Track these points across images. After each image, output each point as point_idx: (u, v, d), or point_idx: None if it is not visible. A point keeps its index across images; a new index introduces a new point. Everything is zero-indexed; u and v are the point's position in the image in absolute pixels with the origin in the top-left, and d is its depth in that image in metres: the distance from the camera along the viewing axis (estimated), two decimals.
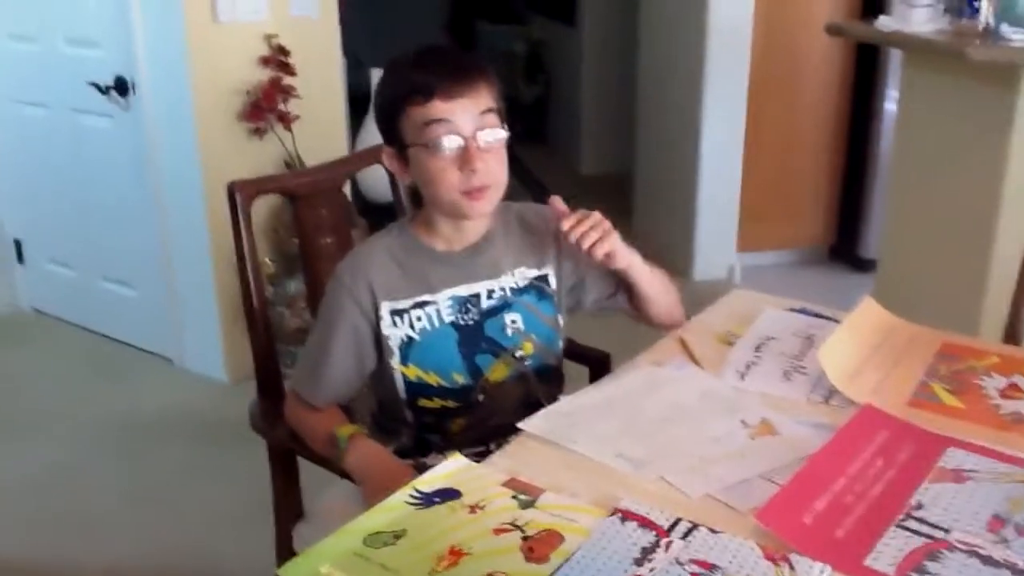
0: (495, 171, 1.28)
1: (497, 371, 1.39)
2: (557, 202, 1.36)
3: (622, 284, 1.47)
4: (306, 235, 1.63)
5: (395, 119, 1.28)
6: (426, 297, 1.35)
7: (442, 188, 1.27)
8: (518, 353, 1.40)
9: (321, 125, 3.12)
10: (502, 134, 1.29)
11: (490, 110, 1.27)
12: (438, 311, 1.35)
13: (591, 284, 1.48)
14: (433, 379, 1.36)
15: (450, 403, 1.38)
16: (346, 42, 3.26)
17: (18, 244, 3.58)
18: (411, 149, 1.28)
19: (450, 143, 1.25)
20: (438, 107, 1.24)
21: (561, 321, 1.45)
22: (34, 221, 3.50)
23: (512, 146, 1.33)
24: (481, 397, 1.39)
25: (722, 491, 1.03)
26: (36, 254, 3.56)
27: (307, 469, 1.50)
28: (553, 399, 1.45)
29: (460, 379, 1.37)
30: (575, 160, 5.80)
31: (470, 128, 1.25)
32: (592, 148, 5.68)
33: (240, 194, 1.53)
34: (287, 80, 2.92)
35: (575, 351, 1.65)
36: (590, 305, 1.51)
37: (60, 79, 3.13)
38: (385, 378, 1.38)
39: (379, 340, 1.35)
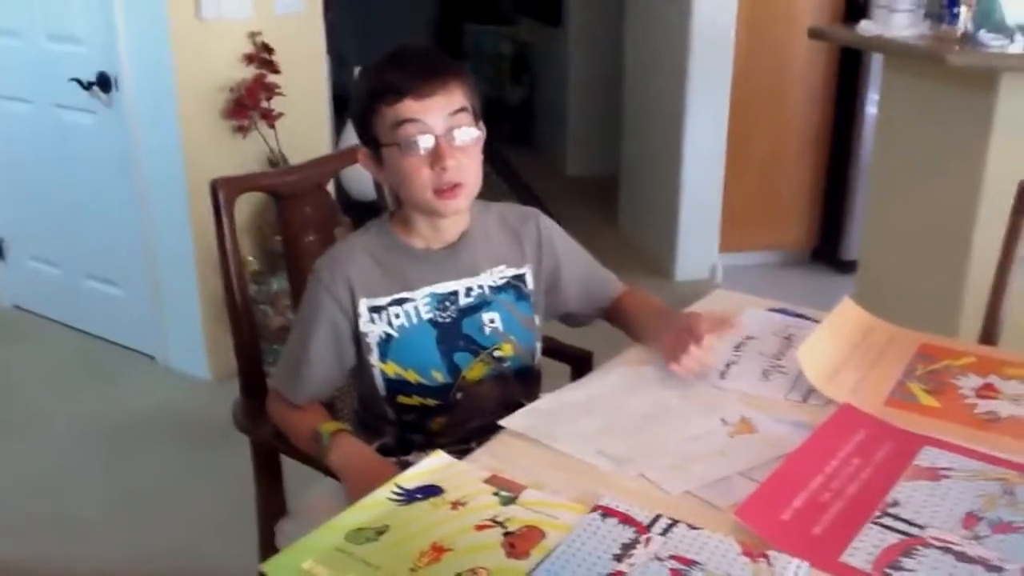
0: (467, 169, 1.29)
1: (475, 370, 1.39)
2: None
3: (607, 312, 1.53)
4: (290, 233, 1.63)
5: (369, 119, 1.29)
6: (404, 294, 1.35)
7: (415, 187, 1.28)
8: (496, 353, 1.40)
9: (305, 123, 3.12)
10: (475, 133, 1.30)
11: (463, 109, 1.28)
12: (416, 308, 1.36)
13: (572, 299, 1.51)
14: (412, 376, 1.37)
15: (429, 401, 1.39)
16: (331, 41, 3.26)
17: (0, 241, 3.55)
18: (384, 148, 1.29)
19: (422, 142, 1.25)
20: (410, 106, 1.25)
21: (537, 321, 1.46)
22: (16, 218, 3.48)
23: (498, 147, 1.34)
24: (460, 395, 1.39)
25: (702, 488, 1.04)
26: (18, 251, 3.54)
27: (290, 467, 1.50)
28: (532, 399, 1.46)
29: (439, 376, 1.37)
30: (561, 161, 5.81)
31: (442, 127, 1.26)
32: (578, 149, 5.69)
33: (223, 192, 1.53)
34: (271, 78, 2.92)
35: (557, 349, 1.66)
36: (567, 320, 1.55)
37: (43, 75, 3.11)
38: (365, 375, 1.38)
39: (358, 337, 1.35)
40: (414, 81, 1.25)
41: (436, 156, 1.26)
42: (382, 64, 1.29)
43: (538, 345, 1.47)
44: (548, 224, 1.49)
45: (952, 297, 2.47)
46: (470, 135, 1.29)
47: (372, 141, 1.31)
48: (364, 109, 1.29)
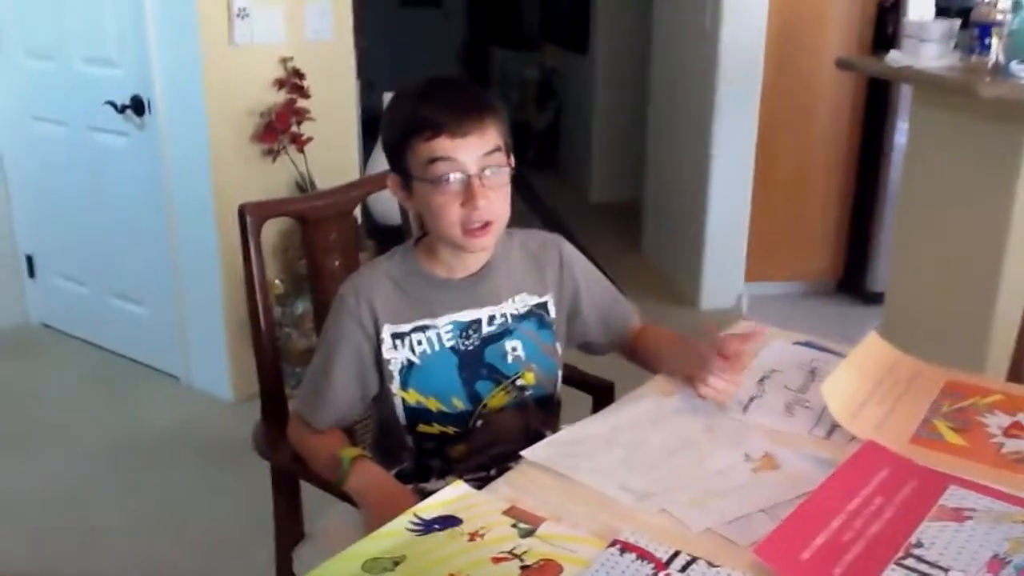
0: (497, 207, 1.28)
1: (497, 398, 1.39)
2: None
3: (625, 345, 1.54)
4: (315, 257, 1.64)
5: (401, 150, 1.29)
6: (427, 321, 1.36)
7: (444, 223, 1.28)
8: (519, 382, 1.40)
9: (334, 148, 3.15)
10: (506, 173, 1.29)
11: (497, 149, 1.27)
12: (439, 335, 1.36)
13: (591, 327, 1.51)
14: (433, 404, 1.36)
15: (449, 429, 1.38)
16: (361, 66, 3.29)
17: (30, 259, 3.61)
18: (415, 181, 1.29)
19: (454, 180, 1.25)
20: (444, 145, 1.24)
21: (559, 349, 1.45)
22: (47, 236, 3.54)
23: (523, 172, 1.34)
24: (479, 423, 1.39)
25: (722, 525, 1.03)
26: (47, 269, 3.59)
27: (308, 491, 1.50)
28: (552, 428, 1.46)
29: (459, 404, 1.37)
30: (585, 187, 5.83)
31: (475, 167, 1.25)
32: (602, 175, 5.71)
33: (251, 217, 1.54)
34: (301, 102, 2.95)
35: (579, 379, 1.66)
36: (585, 348, 1.55)
37: (78, 98, 3.17)
38: (386, 403, 1.38)
39: (380, 364, 1.35)
40: (450, 119, 1.24)
41: (468, 195, 1.25)
42: (417, 95, 1.29)
43: (559, 373, 1.47)
44: (570, 251, 1.48)
45: (980, 332, 2.43)
46: (502, 175, 1.28)
47: (403, 171, 1.31)
48: (397, 140, 1.29)
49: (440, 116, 1.24)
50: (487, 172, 1.26)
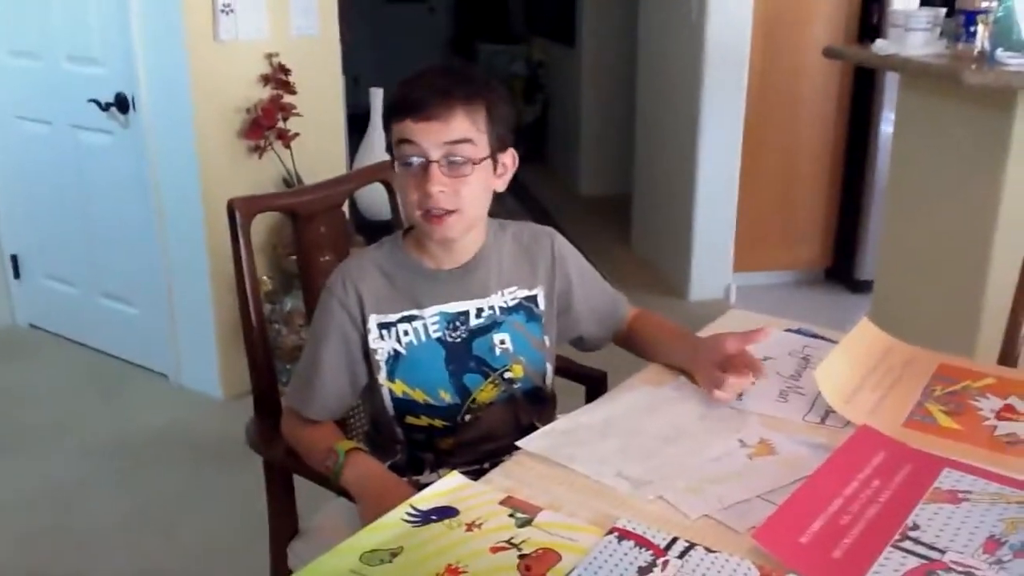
0: (463, 197, 1.27)
1: (486, 392, 1.38)
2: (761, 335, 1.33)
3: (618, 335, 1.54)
4: (305, 253, 1.63)
5: (386, 131, 1.31)
6: (413, 312, 1.35)
7: (406, 206, 1.30)
8: (507, 375, 1.39)
9: (320, 144, 3.13)
10: (476, 166, 1.27)
11: (465, 140, 1.25)
12: (425, 326, 1.35)
13: (584, 321, 1.51)
14: (419, 396, 1.36)
15: (437, 422, 1.38)
16: (346, 62, 3.28)
17: (15, 259, 3.58)
18: (393, 162, 1.30)
19: (415, 164, 1.25)
20: (409, 127, 1.25)
21: (548, 343, 1.44)
22: (32, 236, 3.51)
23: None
24: (468, 417, 1.38)
25: (720, 511, 1.03)
26: (33, 269, 3.56)
27: (303, 487, 1.49)
28: (545, 421, 1.45)
29: (447, 397, 1.36)
30: (574, 180, 5.83)
31: (437, 153, 1.24)
32: (591, 168, 5.71)
33: (239, 212, 1.53)
34: (287, 98, 2.94)
35: (572, 370, 1.66)
36: (579, 344, 1.55)
37: (61, 96, 3.15)
38: (375, 394, 1.38)
39: (367, 353, 1.35)
40: (416, 102, 1.24)
41: (420, 181, 1.25)
42: (405, 79, 1.30)
43: (549, 367, 1.45)
44: (562, 244, 1.48)
45: (969, 318, 2.45)
46: (469, 168, 1.26)
47: (390, 151, 1.32)
48: (384, 121, 1.31)
49: (409, 99, 1.25)
50: (450, 160, 1.25)
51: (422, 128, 1.24)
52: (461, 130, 1.25)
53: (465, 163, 1.26)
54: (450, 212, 1.27)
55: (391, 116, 1.28)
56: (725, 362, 1.30)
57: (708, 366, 1.31)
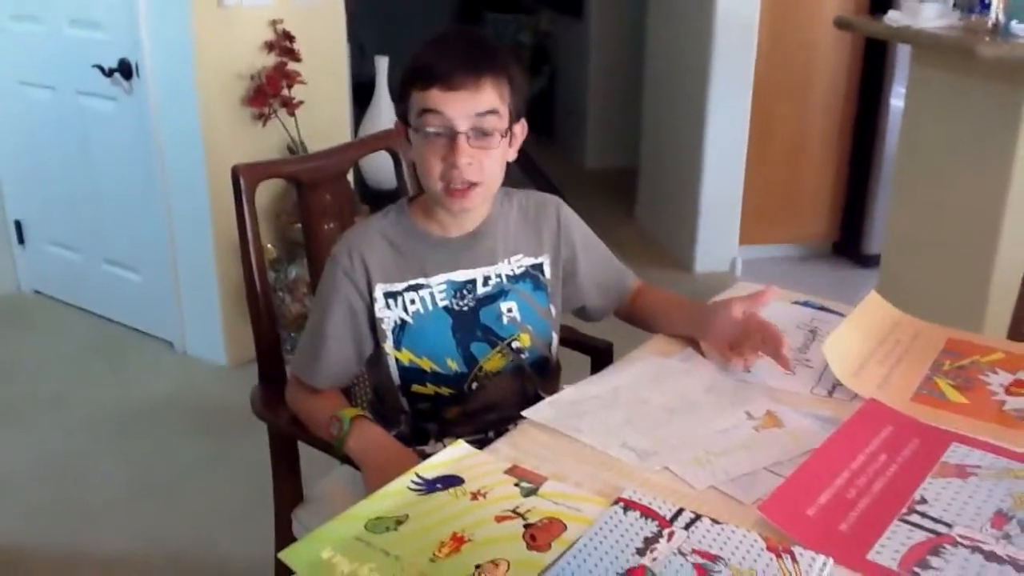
0: (486, 169, 1.26)
1: (493, 361, 1.38)
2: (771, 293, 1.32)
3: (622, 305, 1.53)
4: (310, 221, 1.62)
5: (403, 97, 1.27)
6: (420, 280, 1.34)
7: (428, 177, 1.27)
8: (515, 344, 1.39)
9: (325, 112, 3.11)
10: (499, 142, 1.25)
11: (492, 112, 1.24)
12: (432, 295, 1.34)
13: (588, 291, 1.50)
14: (426, 364, 1.35)
15: (444, 390, 1.37)
16: (351, 31, 3.25)
17: (19, 225, 3.58)
18: (411, 131, 1.28)
19: (440, 135, 1.23)
20: (435, 96, 1.22)
21: (554, 312, 1.44)
22: (36, 203, 3.50)
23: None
24: (475, 386, 1.38)
25: (726, 483, 1.02)
26: (37, 236, 3.56)
27: (307, 455, 1.50)
28: (550, 392, 1.45)
29: (453, 365, 1.36)
30: (580, 153, 5.79)
31: (464, 124, 1.22)
32: (597, 141, 5.67)
33: (244, 178, 1.52)
34: (292, 66, 2.91)
35: (578, 341, 1.65)
36: (581, 314, 1.55)
37: (64, 61, 3.12)
38: (380, 363, 1.37)
39: (374, 322, 1.34)
40: (446, 71, 1.21)
41: (448, 152, 1.23)
42: (426, 44, 1.27)
43: (555, 336, 1.45)
44: (568, 213, 1.47)
45: (978, 293, 2.43)
46: (495, 140, 1.25)
47: (404, 119, 1.29)
48: (401, 87, 1.28)
49: (436, 67, 1.22)
50: (477, 133, 1.23)
51: (450, 98, 1.21)
52: (489, 101, 1.23)
53: (492, 134, 1.24)
54: (474, 184, 1.25)
55: (412, 84, 1.24)
56: (736, 330, 1.29)
57: (720, 337, 1.30)
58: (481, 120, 1.23)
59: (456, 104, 1.22)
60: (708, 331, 1.34)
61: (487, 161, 1.25)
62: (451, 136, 1.22)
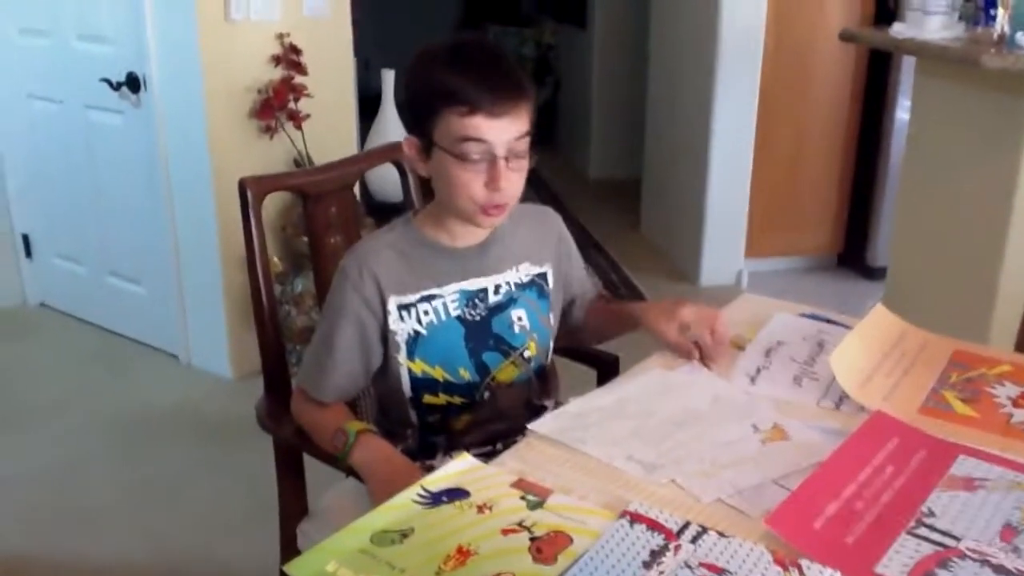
0: (515, 186, 1.28)
1: (506, 371, 1.39)
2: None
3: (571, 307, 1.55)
4: (316, 233, 1.63)
5: (428, 116, 1.25)
6: (433, 291, 1.35)
7: (463, 199, 1.26)
8: (526, 354, 1.40)
9: (331, 125, 3.12)
10: (528, 160, 1.27)
11: (527, 133, 1.25)
12: (444, 305, 1.35)
13: (570, 304, 1.54)
14: (439, 374, 1.36)
15: (455, 399, 1.38)
16: (357, 45, 3.26)
17: (26, 238, 3.59)
18: (439, 151, 1.26)
19: (481, 159, 1.23)
20: (479, 124, 1.21)
21: (552, 320, 1.46)
22: (43, 216, 3.51)
23: None
24: (486, 395, 1.39)
25: (733, 496, 1.02)
26: (44, 248, 3.57)
27: (312, 467, 1.49)
28: (550, 399, 1.48)
29: (466, 375, 1.37)
30: (584, 164, 5.80)
31: (503, 149, 1.23)
32: (601, 152, 5.68)
33: (251, 191, 1.52)
34: (298, 79, 2.93)
35: (584, 353, 1.65)
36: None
37: (72, 75, 3.14)
38: (390, 376, 1.37)
39: (385, 335, 1.34)
40: (489, 98, 1.20)
41: (492, 176, 1.23)
42: (454, 64, 1.24)
43: (551, 344, 1.48)
44: (563, 226, 1.51)
45: (983, 306, 2.43)
46: (526, 161, 1.27)
47: (426, 136, 1.27)
48: (425, 104, 1.25)
49: (479, 93, 1.20)
50: (515, 158, 1.24)
51: (494, 125, 1.22)
52: (524, 124, 1.25)
53: (525, 156, 1.26)
54: (506, 204, 1.28)
55: (446, 106, 1.22)
56: (678, 316, 1.35)
57: (663, 314, 1.37)
58: (517, 143, 1.25)
59: (499, 131, 1.22)
60: (653, 310, 1.40)
61: (516, 178, 1.27)
62: (491, 161, 1.23)
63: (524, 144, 1.26)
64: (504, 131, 1.23)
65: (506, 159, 1.23)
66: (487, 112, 1.21)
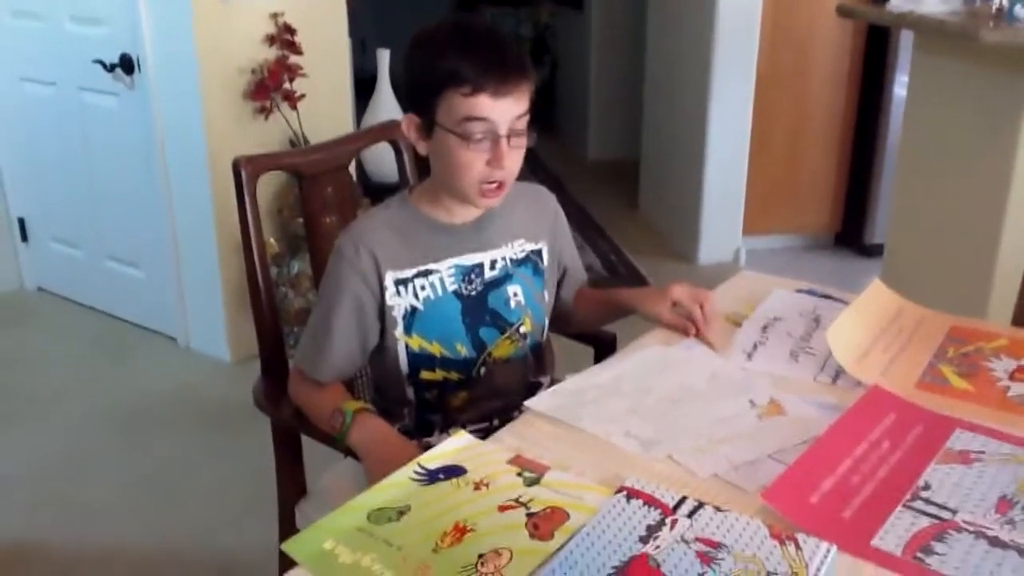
0: (516, 164, 1.29)
1: (503, 348, 1.40)
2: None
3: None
4: (311, 214, 1.62)
5: (431, 96, 1.25)
6: (429, 266, 1.35)
7: (463, 178, 1.27)
8: (522, 329, 1.41)
9: (327, 105, 3.10)
10: (529, 138, 1.29)
11: (527, 112, 1.27)
12: (441, 280, 1.35)
13: (562, 282, 1.55)
14: (436, 349, 1.36)
15: (452, 375, 1.38)
16: (352, 25, 3.24)
17: (22, 222, 3.58)
18: (440, 130, 1.26)
19: (484, 139, 1.24)
20: (483, 104, 1.22)
21: (546, 297, 1.47)
22: (38, 200, 3.50)
23: None
24: (483, 371, 1.39)
25: (729, 471, 1.02)
26: (41, 232, 3.56)
27: (310, 448, 1.50)
28: (546, 377, 1.49)
29: (463, 350, 1.37)
30: (582, 145, 5.78)
31: (505, 128, 1.24)
32: (599, 133, 5.66)
33: (245, 170, 1.52)
34: (293, 59, 2.91)
35: (581, 331, 1.65)
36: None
37: (66, 57, 3.12)
38: (387, 354, 1.37)
39: (383, 312, 1.34)
40: (492, 78, 1.21)
41: (495, 155, 1.25)
42: (457, 44, 1.24)
43: (546, 321, 1.49)
44: (559, 207, 1.53)
45: (981, 282, 2.42)
46: (525, 139, 1.28)
47: (427, 115, 1.27)
48: (427, 85, 1.25)
49: (484, 74, 1.21)
50: (515, 137, 1.26)
51: (497, 105, 1.23)
52: (525, 103, 1.27)
53: (526, 134, 1.28)
54: (505, 182, 1.29)
55: (449, 86, 1.22)
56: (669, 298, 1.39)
57: (657, 296, 1.41)
58: (518, 122, 1.26)
59: (502, 110, 1.23)
60: (644, 294, 1.45)
61: (516, 156, 1.28)
62: (493, 139, 1.24)
63: (524, 123, 1.27)
64: (507, 111, 1.23)
65: (508, 138, 1.24)
66: (491, 92, 1.22)
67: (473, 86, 1.21)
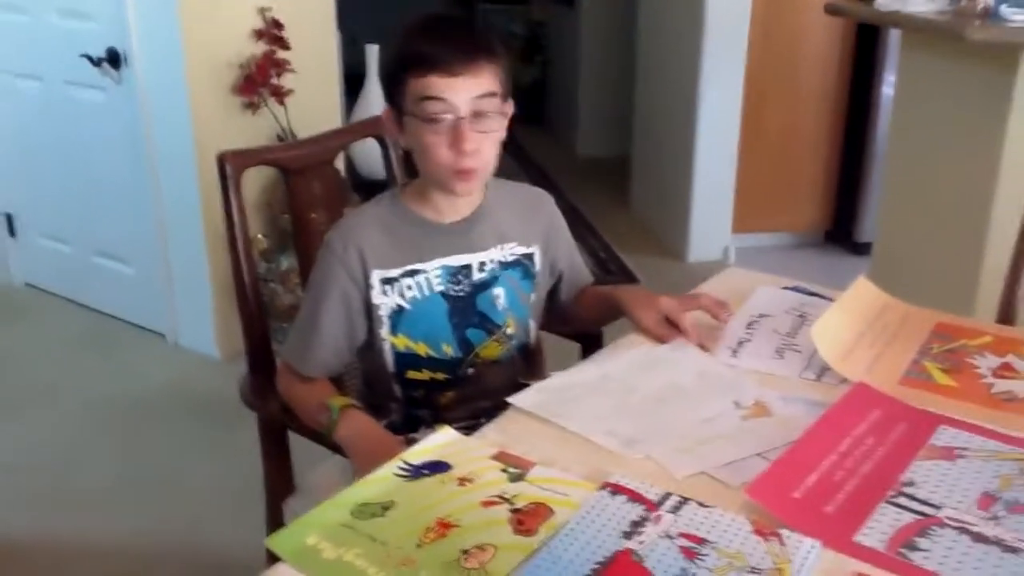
0: (485, 154, 1.27)
1: (490, 348, 1.39)
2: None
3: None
4: (298, 209, 1.62)
5: (396, 84, 1.26)
6: (417, 266, 1.34)
7: (432, 163, 1.27)
8: (508, 331, 1.40)
9: (315, 100, 3.09)
10: (500, 120, 1.27)
11: (491, 94, 1.24)
12: (428, 280, 1.35)
13: (559, 287, 1.54)
14: (422, 349, 1.36)
15: (439, 375, 1.38)
16: (343, 21, 3.23)
17: (9, 218, 3.56)
18: (407, 117, 1.27)
19: (444, 120, 1.23)
20: (436, 83, 1.22)
21: (534, 299, 1.46)
22: (26, 195, 3.48)
23: (510, 128, 1.32)
24: (470, 371, 1.39)
25: (711, 470, 1.02)
26: (28, 229, 3.54)
27: (298, 445, 1.49)
28: (535, 378, 1.46)
29: (449, 351, 1.37)
30: (572, 142, 5.78)
31: (466, 108, 1.23)
32: (590, 130, 5.66)
33: (230, 165, 1.51)
34: (281, 54, 2.90)
35: (584, 331, 1.64)
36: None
37: (52, 51, 3.10)
38: (374, 351, 1.37)
39: (369, 310, 1.34)
40: (443, 57, 1.21)
41: (455, 138, 1.23)
42: (416, 29, 1.27)
43: (532, 323, 1.47)
44: (556, 209, 1.50)
45: (968, 279, 2.43)
46: (495, 122, 1.26)
47: (397, 105, 1.28)
48: (392, 72, 1.27)
49: (434, 53, 1.21)
50: (478, 116, 1.24)
51: (451, 83, 1.21)
52: (487, 84, 1.24)
53: (492, 116, 1.25)
54: (474, 169, 1.26)
55: (406, 70, 1.23)
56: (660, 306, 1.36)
57: (649, 301, 1.37)
58: (480, 103, 1.24)
59: (457, 89, 1.22)
60: (634, 298, 1.40)
61: (487, 144, 1.26)
62: (453, 122, 1.23)
63: (490, 105, 1.25)
64: (462, 89, 1.22)
65: (471, 120, 1.23)
66: (442, 70, 1.21)
67: (425, 66, 1.21)
